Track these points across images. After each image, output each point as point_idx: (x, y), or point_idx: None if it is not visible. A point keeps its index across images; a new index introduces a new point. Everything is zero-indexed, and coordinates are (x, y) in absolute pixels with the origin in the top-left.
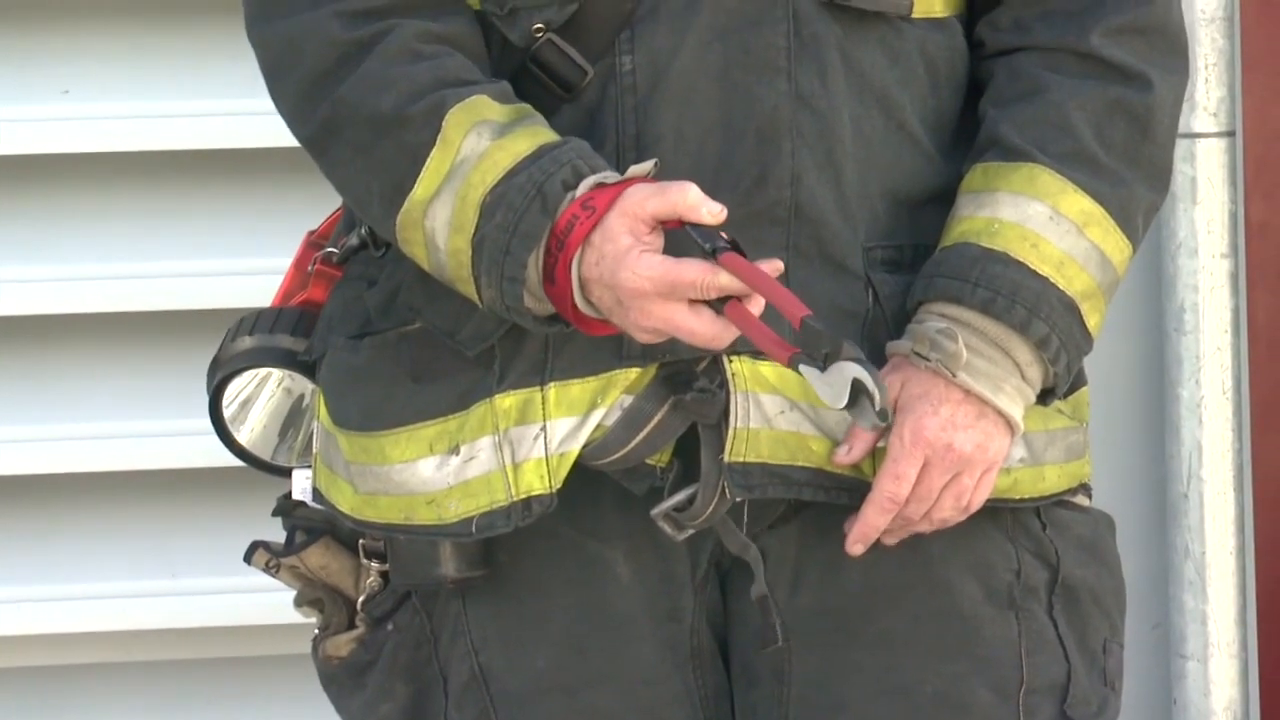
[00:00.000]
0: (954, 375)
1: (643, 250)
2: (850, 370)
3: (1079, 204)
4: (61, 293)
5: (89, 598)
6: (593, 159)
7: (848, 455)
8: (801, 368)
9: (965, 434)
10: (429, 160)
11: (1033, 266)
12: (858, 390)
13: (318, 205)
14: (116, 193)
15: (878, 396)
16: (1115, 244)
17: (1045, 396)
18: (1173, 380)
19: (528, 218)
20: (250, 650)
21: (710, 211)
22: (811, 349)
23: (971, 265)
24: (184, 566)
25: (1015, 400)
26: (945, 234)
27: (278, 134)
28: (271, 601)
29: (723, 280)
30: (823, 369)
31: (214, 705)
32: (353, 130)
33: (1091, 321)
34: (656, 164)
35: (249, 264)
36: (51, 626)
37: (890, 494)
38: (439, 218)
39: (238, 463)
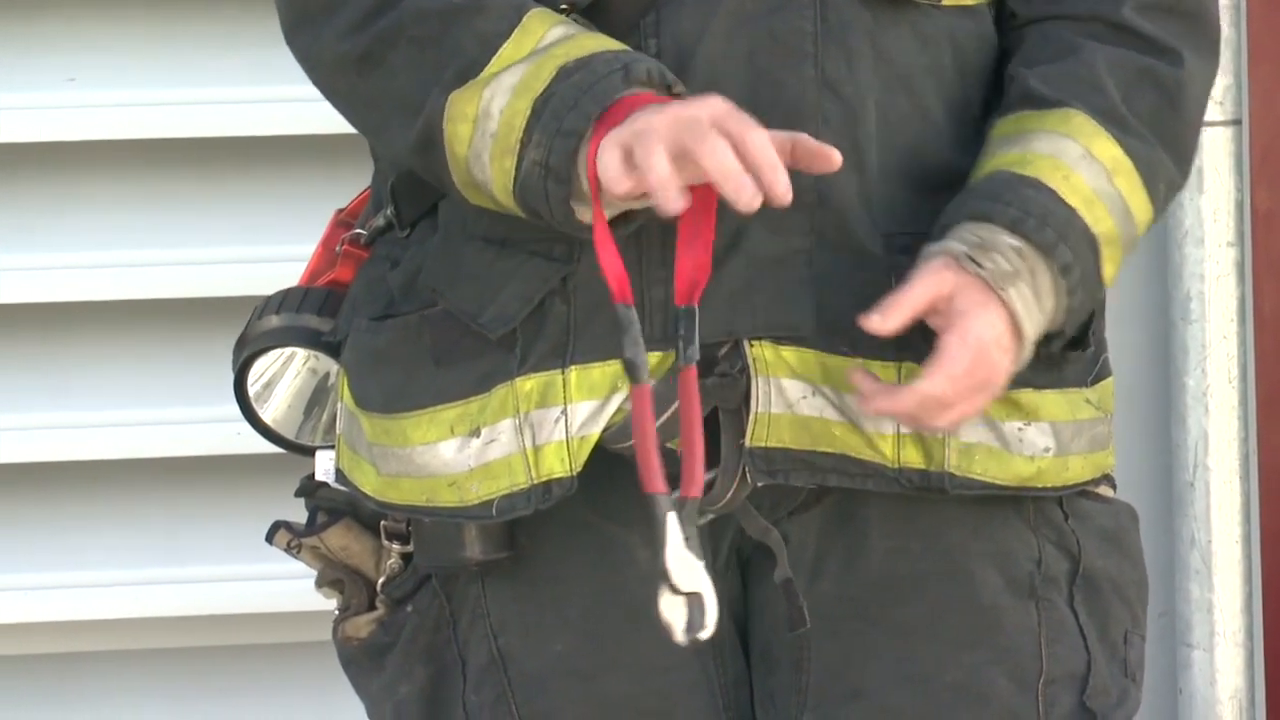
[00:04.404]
0: (1004, 290)
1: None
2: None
3: (1110, 150)
4: (67, 280)
5: (98, 585)
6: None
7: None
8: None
9: (1006, 358)
10: (503, 47)
11: (1062, 195)
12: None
13: (325, 192)
14: (122, 180)
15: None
16: (1139, 201)
17: (1049, 341)
18: (1179, 369)
19: (608, 80)
20: (260, 638)
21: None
22: None
23: (1004, 187)
24: (194, 554)
25: (1033, 330)
26: (975, 172)
27: (286, 121)
28: (281, 589)
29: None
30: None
31: (224, 693)
32: (420, 26)
33: (1107, 270)
34: None
35: (255, 252)
36: (61, 614)
37: (939, 396)
38: (504, 83)
39: (247, 450)
